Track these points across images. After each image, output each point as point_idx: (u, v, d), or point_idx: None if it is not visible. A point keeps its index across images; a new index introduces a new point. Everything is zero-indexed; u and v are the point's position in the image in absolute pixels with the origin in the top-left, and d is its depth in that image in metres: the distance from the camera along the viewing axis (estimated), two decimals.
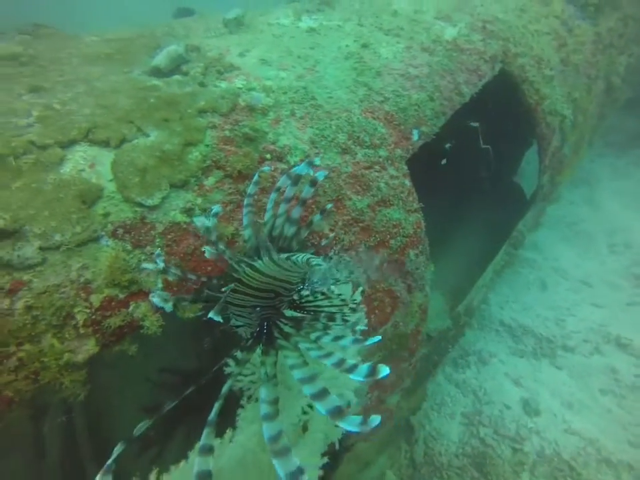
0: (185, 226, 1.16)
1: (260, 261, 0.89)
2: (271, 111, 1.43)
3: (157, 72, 1.41)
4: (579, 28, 2.83)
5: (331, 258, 1.05)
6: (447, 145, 3.30)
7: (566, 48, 2.72)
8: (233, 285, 0.89)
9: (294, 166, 1.29)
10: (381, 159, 1.59)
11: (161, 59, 1.41)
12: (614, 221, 5.30)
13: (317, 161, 0.93)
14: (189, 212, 1.17)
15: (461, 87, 2.06)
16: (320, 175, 0.91)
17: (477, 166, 3.37)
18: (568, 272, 4.61)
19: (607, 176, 5.91)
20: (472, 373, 3.28)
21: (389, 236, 1.56)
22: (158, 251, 1.03)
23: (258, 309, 0.91)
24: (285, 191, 0.94)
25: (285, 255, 0.87)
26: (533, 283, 4.48)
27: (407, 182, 1.66)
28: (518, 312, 4.12)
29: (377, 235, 1.52)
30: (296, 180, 0.91)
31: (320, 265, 0.81)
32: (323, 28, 2.03)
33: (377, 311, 1.58)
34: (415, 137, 1.81)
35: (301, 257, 0.83)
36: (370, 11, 2.27)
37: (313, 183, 0.92)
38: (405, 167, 1.68)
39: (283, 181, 0.96)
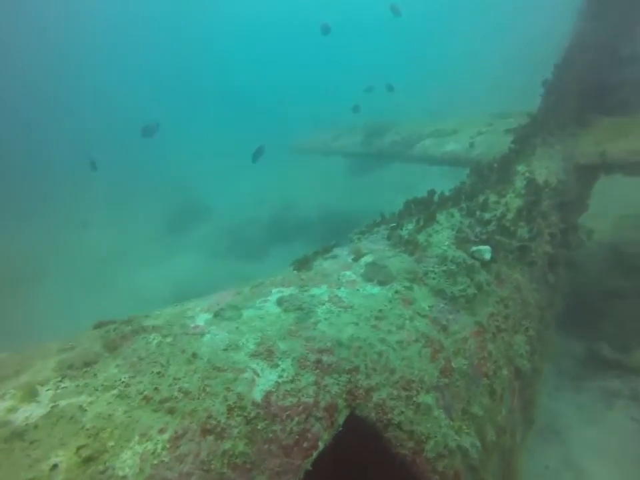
0: None
1: None
2: None
3: None
4: (455, 323, 2.51)
5: None
6: None
7: (444, 352, 2.29)
8: None
9: None
10: None
11: None
12: None
13: None
14: None
15: None
16: None
17: None
18: None
19: (575, 420, 5.12)
20: None
21: None
22: None
23: None
24: None
25: None
26: None
27: None
28: None
29: None
30: None
31: None
32: (51, 417, 1.41)
33: None
34: None
35: None
36: (159, 359, 1.76)
37: None
38: None
39: None
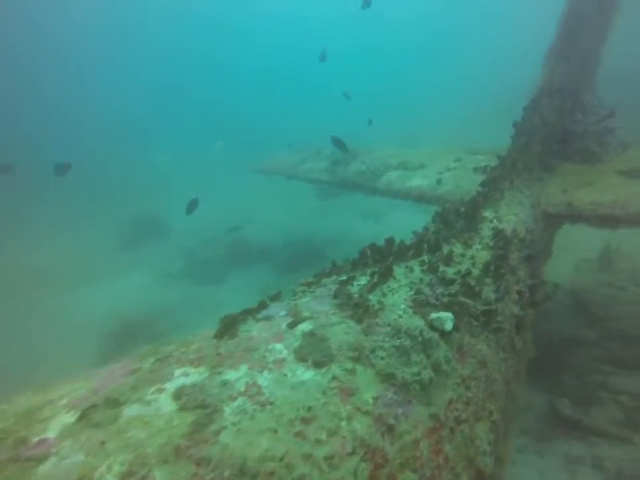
0: None
1: None
2: None
3: None
4: (405, 419, 2.03)
5: None
6: None
7: (388, 467, 1.80)
8: None
9: None
10: None
11: None
12: None
13: None
14: None
15: None
16: None
17: None
18: None
19: None
20: None
21: None
22: None
23: None
24: None
25: None
26: None
27: None
28: None
29: None
30: None
31: None
32: None
33: None
34: None
35: None
36: None
37: None
38: None
39: None
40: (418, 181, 6.79)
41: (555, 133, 6.00)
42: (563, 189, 5.31)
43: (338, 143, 8.41)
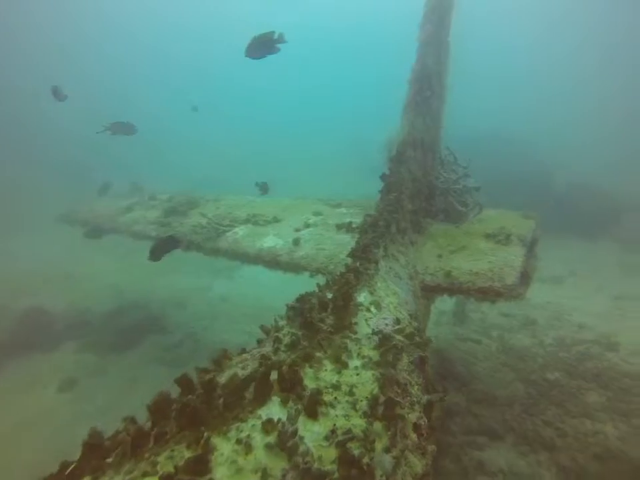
0: None
1: None
2: None
3: None
4: None
5: None
6: None
7: None
8: None
9: None
10: None
11: None
12: None
13: None
14: None
15: None
16: None
17: None
18: None
19: None
20: None
21: None
22: None
23: None
24: None
25: None
26: None
27: None
28: None
29: None
30: None
31: None
32: None
33: None
34: None
35: None
36: None
37: None
38: None
39: None
40: (271, 241, 5.57)
41: (422, 188, 5.61)
42: (437, 254, 4.75)
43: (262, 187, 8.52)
